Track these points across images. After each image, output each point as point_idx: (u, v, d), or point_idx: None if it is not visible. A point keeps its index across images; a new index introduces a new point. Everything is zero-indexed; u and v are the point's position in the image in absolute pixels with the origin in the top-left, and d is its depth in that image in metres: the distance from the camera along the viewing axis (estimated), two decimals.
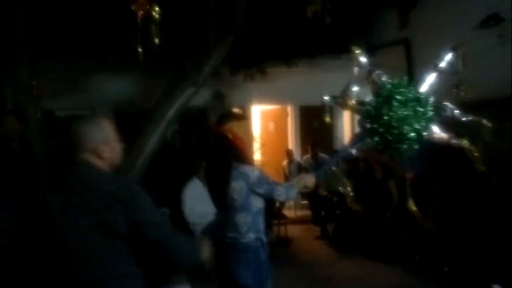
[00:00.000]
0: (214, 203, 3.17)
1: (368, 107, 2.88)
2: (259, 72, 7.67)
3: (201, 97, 7.49)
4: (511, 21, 5.67)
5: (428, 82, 2.87)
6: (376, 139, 2.84)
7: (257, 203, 2.96)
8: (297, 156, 8.97)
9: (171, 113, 4.81)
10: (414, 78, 3.61)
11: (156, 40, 3.26)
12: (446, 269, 4.74)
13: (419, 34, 7.18)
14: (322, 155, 8.21)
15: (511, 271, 4.35)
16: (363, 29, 7.37)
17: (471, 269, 4.60)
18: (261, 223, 2.99)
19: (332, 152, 7.72)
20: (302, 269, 5.51)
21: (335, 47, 7.63)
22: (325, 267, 5.57)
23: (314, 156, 8.28)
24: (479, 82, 5.86)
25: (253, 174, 2.87)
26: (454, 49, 2.82)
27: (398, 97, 2.76)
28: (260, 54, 7.10)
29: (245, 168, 2.89)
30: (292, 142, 9.43)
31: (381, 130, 2.80)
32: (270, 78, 8.08)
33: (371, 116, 2.86)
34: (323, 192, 7.03)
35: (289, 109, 9.47)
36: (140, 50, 3.33)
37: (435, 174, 5.60)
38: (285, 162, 8.62)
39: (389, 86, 2.83)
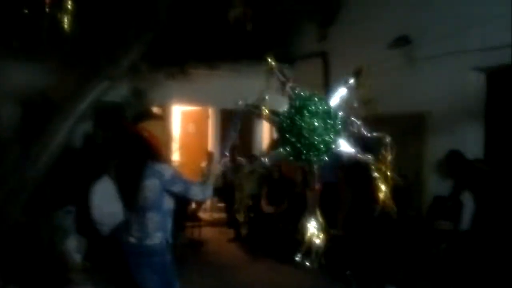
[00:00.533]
0: (123, 202, 3.08)
1: (281, 117, 2.95)
2: (181, 72, 7.57)
3: (119, 93, 7.23)
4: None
5: (338, 96, 3.00)
6: (288, 148, 2.92)
7: (168, 203, 2.94)
8: (216, 158, 8.97)
9: (82, 107, 4.56)
10: (329, 91, 3.80)
11: (66, 28, 3.07)
12: (348, 272, 4.98)
13: (336, 48, 7.55)
14: (241, 158, 8.29)
15: (404, 273, 4.71)
16: (285, 39, 7.59)
17: (370, 272, 4.90)
18: (169, 224, 2.96)
19: (250, 155, 7.85)
20: (213, 271, 5.50)
21: (257, 54, 7.76)
22: (236, 270, 5.62)
23: (233, 160, 8.33)
24: (388, 99, 6.29)
25: (167, 172, 2.87)
26: (357, 72, 2.99)
27: (309, 108, 2.87)
28: (183, 53, 7.01)
29: (159, 166, 2.88)
30: (212, 144, 9.42)
31: (292, 139, 2.88)
32: (192, 79, 8.01)
33: (283, 126, 2.94)
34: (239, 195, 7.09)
35: (210, 111, 9.46)
36: (45, 36, 3.13)
37: (345, 183, 5.90)
38: (204, 164, 8.58)
39: (301, 97, 2.92)
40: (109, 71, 4.57)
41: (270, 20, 5.59)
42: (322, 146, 2.87)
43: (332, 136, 2.88)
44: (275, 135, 8.86)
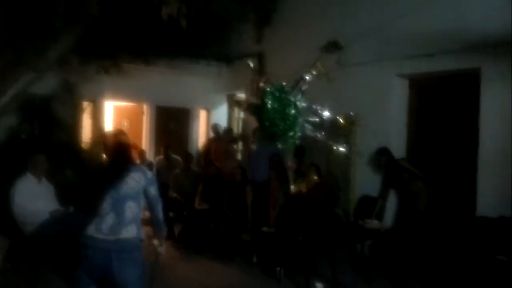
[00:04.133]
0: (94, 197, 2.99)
1: (259, 108, 3.32)
2: (114, 66, 7.35)
3: (47, 86, 6.90)
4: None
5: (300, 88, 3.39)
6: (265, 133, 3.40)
7: (142, 204, 3.03)
8: (150, 156, 8.81)
9: (4, 99, 4.32)
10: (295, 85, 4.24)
11: None
12: (278, 268, 5.11)
13: (272, 49, 7.70)
14: (175, 156, 8.23)
15: (331, 269, 4.92)
16: (222, 38, 7.63)
17: (300, 268, 5.06)
18: (140, 223, 2.98)
19: (186, 153, 7.80)
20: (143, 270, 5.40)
21: (194, 52, 7.74)
22: (167, 268, 5.54)
23: (167, 158, 8.24)
24: (321, 101, 6.51)
25: (149, 173, 3.11)
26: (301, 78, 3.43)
27: (281, 98, 3.27)
28: (115, 47, 6.82)
29: (141, 167, 3.20)
30: (146, 141, 9.24)
31: (267, 124, 3.37)
32: (126, 74, 7.81)
33: (261, 115, 3.29)
34: (173, 194, 7.03)
35: (145, 107, 9.27)
36: None
37: (277, 181, 6.02)
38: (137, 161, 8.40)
39: (273, 91, 3.35)
40: (35, 62, 4.35)
41: (206, 19, 5.59)
42: (292, 129, 3.35)
43: (297, 122, 3.26)
44: (211, 134, 8.85)
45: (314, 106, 3.46)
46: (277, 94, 3.32)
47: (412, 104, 6.15)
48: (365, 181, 6.20)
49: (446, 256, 4.63)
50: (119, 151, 3.15)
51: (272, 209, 5.79)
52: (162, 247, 3.25)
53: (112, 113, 9.36)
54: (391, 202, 5.81)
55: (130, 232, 2.85)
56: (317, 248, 5.10)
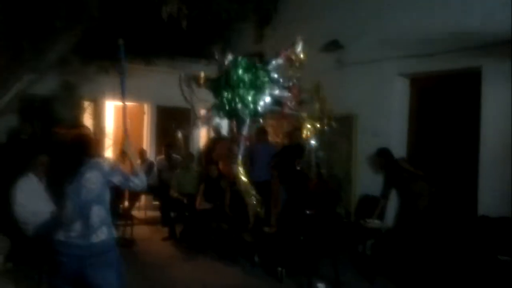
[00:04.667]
0: (58, 200, 2.96)
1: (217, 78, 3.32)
2: (114, 66, 7.33)
3: (48, 86, 6.91)
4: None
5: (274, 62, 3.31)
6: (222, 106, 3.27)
7: (108, 197, 2.93)
8: (151, 156, 8.82)
9: (5, 99, 4.31)
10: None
11: None
12: (279, 268, 5.11)
13: (273, 49, 7.65)
14: (176, 156, 8.23)
15: (333, 269, 4.92)
16: (222, 39, 7.61)
17: (301, 268, 5.06)
18: (110, 218, 2.92)
19: (187, 153, 7.79)
20: (144, 270, 5.41)
21: (195, 51, 7.72)
22: (169, 268, 5.56)
23: (168, 157, 8.25)
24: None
25: (105, 164, 2.91)
26: None
27: (241, 65, 3.22)
28: (114, 47, 6.79)
29: (97, 160, 2.92)
30: (147, 141, 9.24)
31: (226, 95, 3.23)
32: (127, 74, 7.79)
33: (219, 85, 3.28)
34: (174, 193, 7.04)
35: (146, 107, 9.27)
36: None
37: (278, 181, 6.03)
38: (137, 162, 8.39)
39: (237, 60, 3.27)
40: (36, 63, 4.34)
41: (206, 19, 5.59)
42: (251, 100, 3.15)
43: (259, 92, 3.15)
44: (212, 134, 8.86)
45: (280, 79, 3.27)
46: (243, 64, 3.15)
47: (413, 104, 6.14)
48: (367, 181, 6.20)
49: (447, 256, 4.63)
50: (76, 143, 2.96)
51: (273, 209, 5.79)
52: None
53: (113, 113, 9.36)
54: (393, 202, 5.81)
55: (100, 235, 2.79)
56: (319, 248, 5.09)
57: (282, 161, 5.83)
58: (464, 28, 5.06)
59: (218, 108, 3.22)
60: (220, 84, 3.19)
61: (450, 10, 5.27)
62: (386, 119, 6.05)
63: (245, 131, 3.27)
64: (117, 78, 3.23)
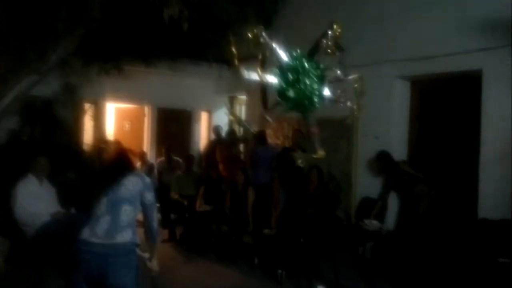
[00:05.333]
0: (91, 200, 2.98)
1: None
2: (115, 68, 7.37)
3: (49, 88, 6.92)
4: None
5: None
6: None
7: (138, 208, 2.98)
8: (151, 158, 8.83)
9: (6, 100, 4.32)
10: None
11: None
12: (279, 271, 5.10)
13: (274, 51, 7.67)
14: (176, 158, 8.24)
15: (333, 271, 4.92)
16: (223, 41, 7.62)
17: (301, 271, 5.05)
18: (135, 228, 2.96)
19: (187, 155, 7.80)
20: (144, 272, 5.40)
21: (195, 54, 7.74)
22: (168, 270, 5.54)
23: (168, 159, 8.25)
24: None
25: (147, 179, 3.05)
26: None
27: (301, 64, 3.44)
28: (117, 49, 6.83)
29: (139, 173, 3.13)
30: (147, 143, 9.25)
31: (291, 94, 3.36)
32: (128, 76, 7.82)
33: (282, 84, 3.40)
34: (174, 195, 7.03)
35: (147, 109, 9.29)
36: None
37: (279, 183, 6.03)
38: (137, 164, 8.40)
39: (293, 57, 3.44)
40: (37, 64, 4.35)
41: (207, 21, 5.60)
42: (315, 95, 3.33)
43: (319, 85, 3.33)
44: (212, 136, 8.84)
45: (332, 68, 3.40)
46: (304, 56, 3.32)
47: (413, 106, 6.14)
48: (367, 183, 6.19)
49: (447, 259, 4.62)
50: (120, 157, 3.10)
51: (273, 211, 5.79)
52: (154, 262, 3.13)
53: (113, 115, 9.39)
54: (393, 205, 5.81)
55: (125, 236, 2.83)
56: (319, 250, 5.09)
57: (282, 163, 5.83)
58: (465, 31, 5.06)
59: (285, 100, 3.26)
60: (287, 75, 3.25)
61: (451, 12, 5.28)
62: (387, 121, 6.04)
63: (312, 122, 3.40)
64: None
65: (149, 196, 2.98)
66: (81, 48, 5.34)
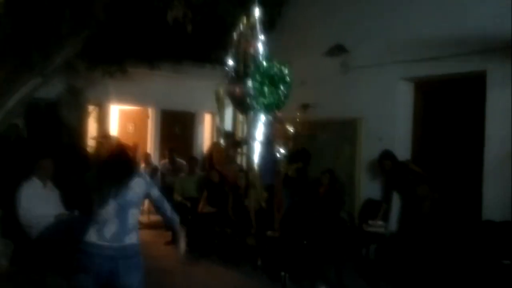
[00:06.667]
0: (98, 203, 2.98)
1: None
2: (119, 71, 7.39)
3: (54, 90, 6.95)
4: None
5: None
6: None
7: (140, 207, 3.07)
8: (155, 160, 8.84)
9: (10, 103, 4.34)
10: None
11: None
12: (283, 273, 5.09)
13: (277, 54, 7.67)
14: (180, 160, 8.24)
15: (336, 273, 4.91)
16: (227, 43, 7.64)
17: (305, 273, 5.04)
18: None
19: (191, 157, 7.81)
20: (147, 274, 5.41)
21: (200, 56, 7.76)
22: (172, 272, 5.56)
23: (171, 161, 8.26)
24: (324, 105, 6.52)
25: (147, 177, 3.12)
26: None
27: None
28: (121, 51, 6.85)
29: (140, 172, 3.16)
30: (151, 145, 9.27)
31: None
32: (131, 78, 7.84)
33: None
34: (177, 197, 7.04)
35: (150, 111, 9.30)
36: None
37: (282, 185, 6.02)
38: (141, 166, 8.41)
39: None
40: (41, 66, 4.37)
41: (211, 23, 5.62)
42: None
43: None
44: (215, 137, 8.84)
45: None
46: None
47: (417, 108, 6.13)
48: (370, 185, 6.18)
49: (451, 260, 4.60)
50: (124, 159, 3.10)
51: (277, 213, 5.78)
52: (181, 244, 3.23)
53: (117, 117, 9.41)
54: (396, 206, 5.78)
55: (132, 238, 2.86)
56: (322, 253, 5.08)
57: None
58: (469, 32, 5.05)
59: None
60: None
61: (454, 14, 5.27)
62: (391, 123, 6.04)
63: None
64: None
65: (155, 191, 3.06)
66: (85, 51, 5.37)
